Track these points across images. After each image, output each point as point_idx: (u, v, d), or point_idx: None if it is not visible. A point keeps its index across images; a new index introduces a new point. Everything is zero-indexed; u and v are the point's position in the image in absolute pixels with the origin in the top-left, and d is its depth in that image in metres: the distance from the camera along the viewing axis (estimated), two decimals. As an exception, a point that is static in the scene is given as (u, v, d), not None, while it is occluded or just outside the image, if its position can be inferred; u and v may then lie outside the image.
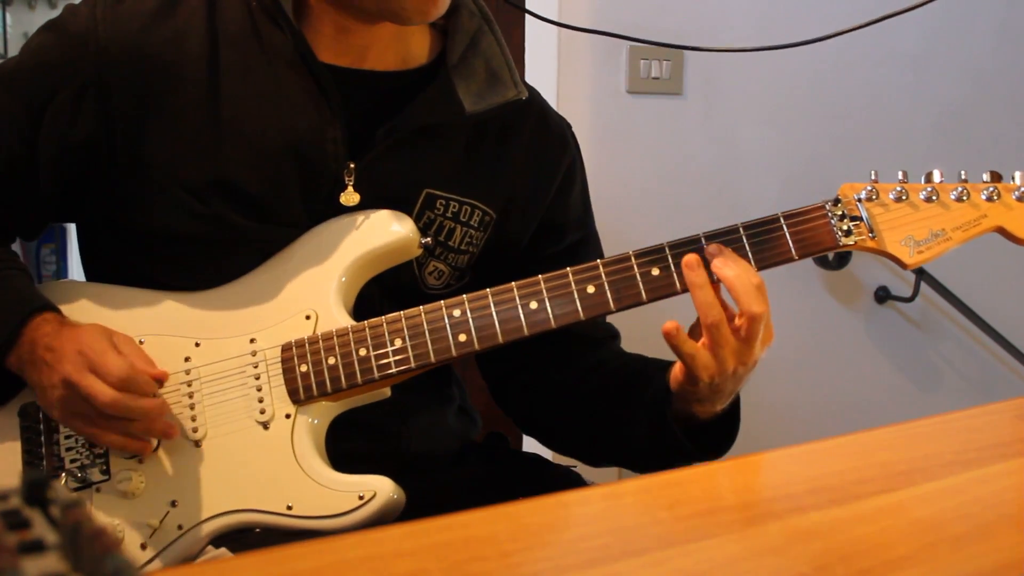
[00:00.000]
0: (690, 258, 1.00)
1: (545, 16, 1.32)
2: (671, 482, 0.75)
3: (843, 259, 2.44)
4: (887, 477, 0.74)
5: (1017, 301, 2.65)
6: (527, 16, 1.99)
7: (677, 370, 1.03)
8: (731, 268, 0.98)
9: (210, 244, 1.08)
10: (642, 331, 1.24)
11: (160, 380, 1.03)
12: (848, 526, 0.64)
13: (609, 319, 1.22)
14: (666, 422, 1.07)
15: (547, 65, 2.12)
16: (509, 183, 1.19)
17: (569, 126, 1.27)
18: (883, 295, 2.55)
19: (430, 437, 1.20)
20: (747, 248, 1.02)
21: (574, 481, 1.21)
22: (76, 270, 3.09)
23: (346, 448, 1.07)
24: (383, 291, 1.12)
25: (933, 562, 0.59)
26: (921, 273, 2.48)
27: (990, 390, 2.67)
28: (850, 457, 0.80)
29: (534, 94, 1.22)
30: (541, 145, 1.22)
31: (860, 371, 2.56)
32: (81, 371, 0.99)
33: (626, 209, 2.20)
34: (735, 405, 1.08)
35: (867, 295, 2.56)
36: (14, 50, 3.40)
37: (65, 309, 1.08)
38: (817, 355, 2.50)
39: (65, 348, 1.00)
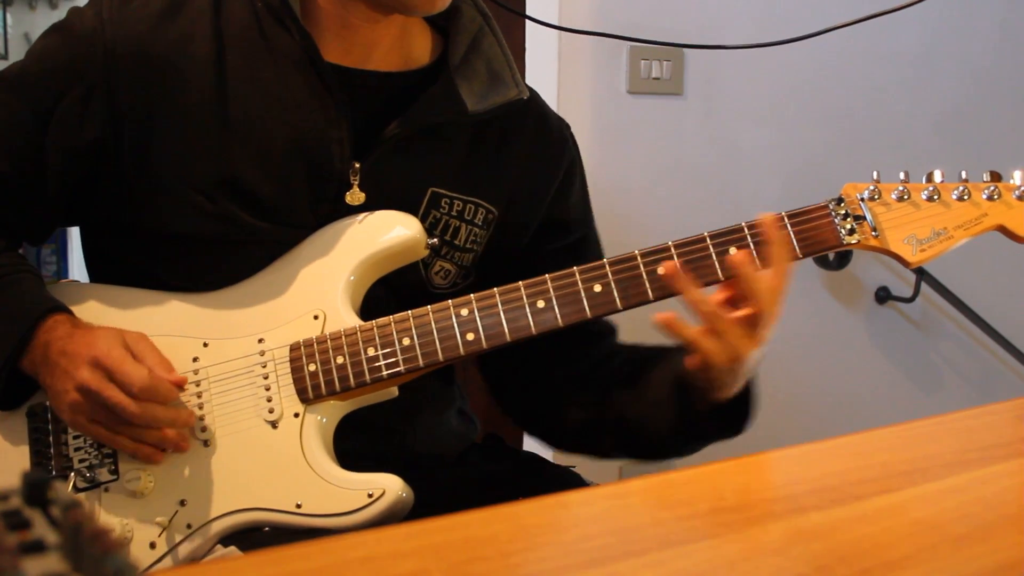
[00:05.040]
0: (668, 265, 1.00)
1: (545, 20, 1.32)
2: (671, 482, 0.75)
3: (844, 259, 2.44)
4: (887, 477, 0.74)
5: (1017, 301, 2.64)
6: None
7: (690, 358, 1.03)
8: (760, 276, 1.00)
9: (218, 244, 1.08)
10: (645, 330, 1.24)
11: (179, 385, 1.03)
12: (848, 526, 0.64)
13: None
14: (689, 400, 1.07)
15: (548, 65, 2.12)
16: (511, 181, 1.19)
17: (568, 126, 1.27)
18: (883, 295, 2.55)
19: (434, 437, 1.21)
20: (751, 247, 1.02)
21: (574, 481, 1.21)
22: (76, 270, 3.10)
23: (351, 447, 1.07)
24: (390, 291, 1.12)
25: (934, 562, 0.59)
26: (921, 273, 2.48)
27: (990, 390, 2.67)
28: (850, 457, 0.80)
29: (533, 95, 1.23)
30: (542, 144, 1.22)
31: (860, 371, 2.56)
32: (101, 381, 0.98)
33: (626, 209, 2.20)
34: (748, 386, 1.08)
35: (867, 295, 2.55)
36: (15, 51, 3.41)
37: (73, 310, 1.07)
38: (817, 355, 2.50)
39: (80, 354, 0.99)
